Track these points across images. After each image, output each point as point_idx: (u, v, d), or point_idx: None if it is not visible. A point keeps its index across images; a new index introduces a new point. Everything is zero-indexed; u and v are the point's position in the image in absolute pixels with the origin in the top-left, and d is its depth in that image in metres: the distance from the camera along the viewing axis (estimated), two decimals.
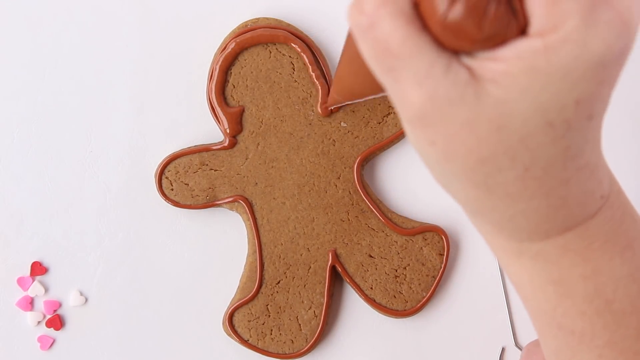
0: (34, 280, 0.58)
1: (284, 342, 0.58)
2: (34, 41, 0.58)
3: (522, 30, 0.32)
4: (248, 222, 0.58)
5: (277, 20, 0.58)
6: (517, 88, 0.31)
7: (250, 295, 0.58)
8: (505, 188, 0.34)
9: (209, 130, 0.59)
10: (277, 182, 0.58)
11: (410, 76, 0.32)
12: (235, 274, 0.59)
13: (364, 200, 0.58)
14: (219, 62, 0.57)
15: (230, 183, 0.58)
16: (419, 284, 0.58)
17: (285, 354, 0.58)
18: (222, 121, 0.58)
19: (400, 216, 0.59)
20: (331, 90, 0.51)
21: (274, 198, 0.58)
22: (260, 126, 0.58)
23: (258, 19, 0.58)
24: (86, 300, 0.59)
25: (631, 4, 0.31)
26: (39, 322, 0.58)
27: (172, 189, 0.58)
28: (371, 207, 0.58)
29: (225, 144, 0.58)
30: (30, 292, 0.58)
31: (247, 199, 0.58)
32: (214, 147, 0.58)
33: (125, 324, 0.59)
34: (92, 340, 0.59)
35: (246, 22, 0.58)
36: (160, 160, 0.58)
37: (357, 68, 0.40)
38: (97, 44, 0.59)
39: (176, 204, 0.58)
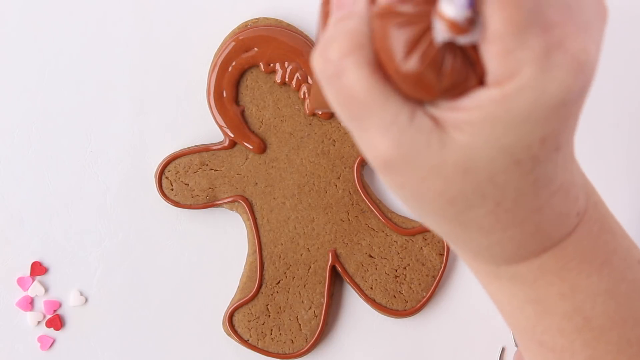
0: (34, 280, 0.58)
1: (284, 342, 0.58)
2: (34, 41, 0.58)
3: (481, 79, 0.32)
4: (248, 222, 0.58)
5: (277, 20, 0.58)
6: (480, 135, 0.32)
7: (250, 295, 0.58)
8: (478, 222, 0.35)
9: (209, 130, 0.59)
10: (277, 182, 0.58)
11: (376, 124, 0.32)
12: (235, 274, 0.59)
13: (364, 200, 0.58)
14: (219, 62, 0.57)
15: (230, 183, 0.58)
16: (419, 284, 0.58)
17: (285, 354, 0.58)
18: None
19: (400, 216, 0.59)
20: (310, 96, 0.52)
21: (274, 198, 0.58)
22: (260, 126, 0.58)
23: (258, 19, 0.58)
24: (86, 300, 0.59)
25: (585, 44, 0.32)
26: (39, 322, 0.58)
27: (172, 189, 0.58)
28: (371, 207, 0.58)
29: (225, 144, 0.58)
30: (30, 292, 0.58)
31: (247, 199, 0.58)
32: (214, 147, 0.58)
33: (125, 324, 0.59)
34: (92, 340, 0.59)
35: (246, 22, 0.58)
36: (160, 160, 0.58)
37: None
38: (97, 43, 0.59)
39: (176, 204, 0.58)
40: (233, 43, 0.57)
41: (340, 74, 0.32)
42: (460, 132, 0.32)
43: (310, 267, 0.58)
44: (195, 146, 0.58)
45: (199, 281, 0.59)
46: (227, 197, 0.58)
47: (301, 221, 0.58)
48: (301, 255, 0.58)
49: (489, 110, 0.31)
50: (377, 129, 0.32)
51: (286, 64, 0.57)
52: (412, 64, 0.31)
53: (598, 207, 0.39)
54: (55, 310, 0.58)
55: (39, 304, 0.58)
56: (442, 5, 0.30)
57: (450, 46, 0.31)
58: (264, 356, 0.58)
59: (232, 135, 0.57)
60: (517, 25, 0.30)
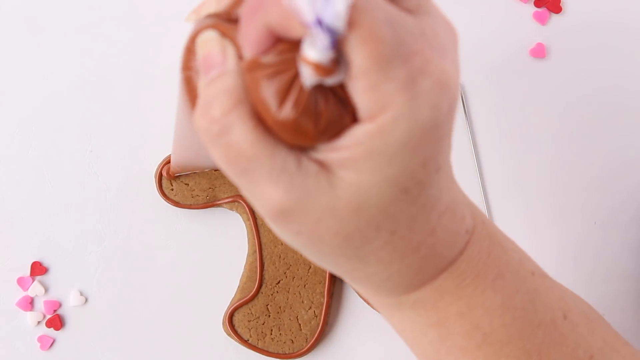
0: (34, 280, 0.58)
1: (284, 342, 0.58)
2: (34, 41, 0.58)
3: (354, 116, 0.33)
4: (248, 222, 0.58)
5: None
6: (365, 170, 0.33)
7: (250, 295, 0.58)
8: (377, 255, 0.35)
9: None
10: None
11: (266, 175, 0.33)
12: (235, 274, 0.59)
13: None
14: None
15: (230, 183, 0.58)
16: None
17: (285, 354, 0.58)
18: None
19: None
20: (171, 160, 0.53)
21: None
22: None
23: None
24: (86, 300, 0.59)
25: (444, 66, 0.33)
26: (39, 322, 0.58)
27: (172, 189, 0.58)
28: None
29: None
30: (30, 292, 0.58)
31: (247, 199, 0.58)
32: None
33: (125, 324, 0.59)
34: (92, 340, 0.59)
35: None
36: (160, 160, 0.58)
37: (188, 147, 0.41)
38: (97, 43, 0.59)
39: (176, 204, 0.58)
40: None
41: (225, 131, 0.33)
42: (346, 171, 0.33)
43: (310, 267, 0.58)
44: None
45: (199, 281, 0.59)
46: (227, 197, 0.58)
47: None
48: (301, 255, 0.58)
49: (369, 145, 0.32)
50: (268, 180, 0.33)
51: None
52: (286, 111, 0.32)
53: (486, 225, 0.40)
54: (55, 310, 0.58)
55: (39, 304, 0.58)
56: (305, 49, 0.31)
57: (320, 89, 0.32)
58: (264, 356, 0.58)
59: None
60: (380, 58, 0.31)
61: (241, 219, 0.59)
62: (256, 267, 0.58)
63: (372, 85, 0.31)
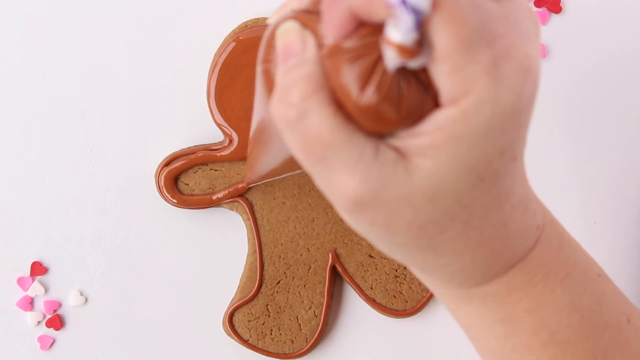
0: (34, 280, 0.58)
1: (284, 342, 0.58)
2: (34, 41, 0.58)
3: (436, 101, 0.32)
4: (248, 222, 0.58)
5: None
6: (445, 157, 0.32)
7: (250, 295, 0.58)
8: (451, 245, 0.35)
9: (209, 130, 0.59)
10: (277, 181, 0.58)
11: (342, 163, 0.32)
12: (235, 274, 0.59)
13: None
14: (219, 63, 0.57)
15: (230, 183, 0.58)
16: (419, 284, 0.58)
17: (285, 354, 0.58)
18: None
19: None
20: (246, 172, 0.53)
21: (274, 198, 0.58)
22: None
23: (258, 19, 0.58)
24: (86, 300, 0.59)
25: (528, 50, 0.32)
26: (39, 322, 0.58)
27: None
28: None
29: (225, 144, 0.58)
30: (30, 292, 0.58)
31: (247, 199, 0.58)
32: (214, 147, 0.58)
33: (125, 324, 0.59)
34: (92, 340, 0.59)
35: (246, 22, 0.58)
36: (160, 160, 0.58)
37: (269, 153, 0.41)
38: (97, 43, 0.59)
39: (176, 203, 0.58)
40: (233, 43, 0.57)
41: (303, 117, 0.32)
42: (424, 158, 0.32)
43: (310, 267, 0.58)
44: (195, 146, 0.58)
45: (199, 281, 0.59)
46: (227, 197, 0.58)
47: (301, 221, 0.58)
48: (301, 255, 0.58)
49: (451, 130, 0.32)
50: (345, 168, 0.32)
51: None
52: (369, 95, 0.31)
53: (555, 224, 0.39)
54: (55, 310, 0.58)
55: (39, 304, 0.58)
56: (389, 31, 0.31)
57: (402, 73, 0.32)
58: (264, 356, 0.58)
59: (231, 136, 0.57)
60: (465, 40, 0.31)
61: (241, 219, 0.59)
62: (256, 267, 0.58)
63: (456, 68, 0.31)
